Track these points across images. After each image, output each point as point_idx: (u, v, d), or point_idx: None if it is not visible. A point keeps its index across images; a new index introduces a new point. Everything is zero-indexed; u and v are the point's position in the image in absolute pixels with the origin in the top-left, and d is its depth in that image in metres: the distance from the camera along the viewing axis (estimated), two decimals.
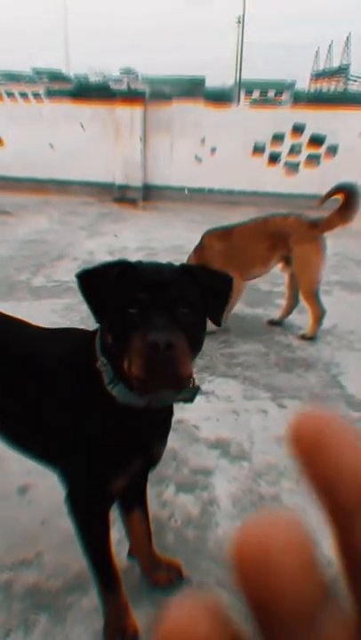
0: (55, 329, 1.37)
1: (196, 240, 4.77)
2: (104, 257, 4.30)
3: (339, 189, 2.74)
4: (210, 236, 2.93)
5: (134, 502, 1.35)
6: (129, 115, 6.56)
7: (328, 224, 2.76)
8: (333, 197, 2.78)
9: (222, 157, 6.60)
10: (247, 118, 6.65)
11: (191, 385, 1.10)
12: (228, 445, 1.92)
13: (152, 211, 6.38)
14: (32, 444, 1.35)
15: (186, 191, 6.78)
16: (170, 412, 1.22)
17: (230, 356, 2.67)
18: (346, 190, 2.71)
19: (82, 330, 1.28)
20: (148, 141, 6.70)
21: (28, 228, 5.15)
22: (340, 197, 2.73)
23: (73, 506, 1.16)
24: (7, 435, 1.34)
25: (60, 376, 1.20)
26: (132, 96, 6.67)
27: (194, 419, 2.07)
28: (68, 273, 3.85)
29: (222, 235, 2.91)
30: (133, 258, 3.63)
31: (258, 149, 6.60)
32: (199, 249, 2.94)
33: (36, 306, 3.21)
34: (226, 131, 6.49)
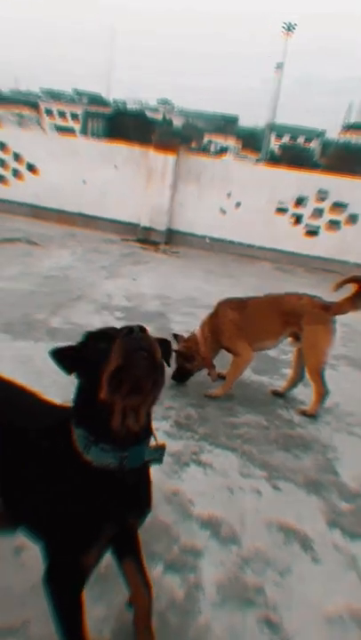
0: (43, 402, 1.49)
1: (212, 293, 4.94)
2: (121, 302, 4.44)
3: (354, 279, 2.85)
4: (225, 305, 3.04)
5: (126, 552, 1.43)
6: (162, 161, 6.80)
7: (339, 308, 2.87)
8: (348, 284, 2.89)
9: (246, 212, 6.80)
10: (274, 177, 6.85)
11: (155, 442, 1.27)
12: (220, 525, 1.98)
13: (172, 255, 6.54)
14: (17, 514, 1.45)
15: (207, 240, 6.96)
16: (142, 478, 1.32)
17: (232, 425, 2.74)
18: (360, 281, 2.82)
19: (64, 405, 1.39)
20: (177, 188, 6.92)
21: (52, 262, 5.31)
22: (353, 286, 2.84)
23: (47, 582, 1.24)
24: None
25: (39, 448, 1.31)
26: (166, 143, 6.92)
27: (190, 491, 2.14)
28: (85, 316, 3.98)
29: (237, 305, 3.02)
30: (149, 306, 3.78)
31: (281, 208, 6.79)
32: (213, 316, 3.05)
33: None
34: (252, 187, 6.71)
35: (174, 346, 3.02)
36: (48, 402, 1.50)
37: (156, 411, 2.70)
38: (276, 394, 3.17)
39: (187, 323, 4.02)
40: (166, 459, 2.31)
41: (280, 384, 3.25)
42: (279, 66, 63.69)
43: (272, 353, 3.68)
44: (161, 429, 2.57)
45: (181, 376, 3.07)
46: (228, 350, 3.01)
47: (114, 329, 1.21)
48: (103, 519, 1.24)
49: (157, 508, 2.00)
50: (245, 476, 2.32)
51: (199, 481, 2.24)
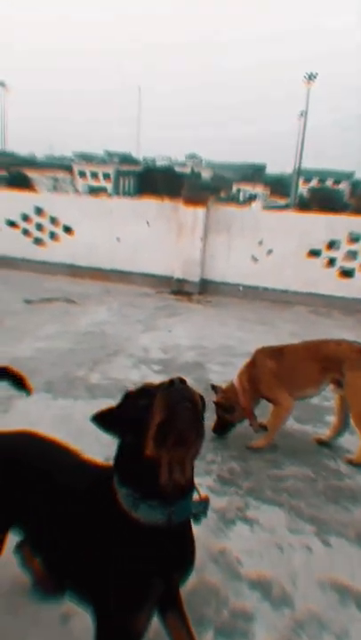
0: (84, 462, 1.50)
1: (248, 341, 4.93)
2: (157, 354, 4.47)
3: None
4: (262, 354, 3.02)
5: (169, 607, 1.40)
6: (192, 215, 6.98)
7: None
8: None
9: (278, 258, 6.84)
10: (303, 222, 6.92)
11: (198, 495, 1.28)
12: (270, 586, 1.90)
13: (207, 305, 6.60)
14: (63, 578, 1.44)
15: (240, 288, 7.01)
16: (186, 532, 1.32)
17: (277, 478, 2.67)
18: None
19: (105, 464, 1.40)
20: (208, 240, 7.06)
21: (89, 319, 5.44)
22: None
23: None
24: (47, 564, 1.44)
25: (82, 508, 1.32)
26: (195, 197, 7.12)
27: (237, 550, 2.08)
28: (123, 370, 4.03)
29: (274, 354, 3.00)
30: (186, 357, 3.78)
31: (313, 252, 6.81)
32: (251, 365, 3.03)
33: (91, 405, 3.33)
34: (282, 234, 6.78)
35: (213, 397, 3.01)
36: (89, 461, 1.51)
37: (199, 465, 2.67)
38: (321, 443, 3.08)
39: (224, 373, 4.01)
40: (211, 515, 2.28)
41: (324, 432, 3.17)
42: (302, 114, 65.44)
43: (314, 400, 3.60)
44: (204, 485, 2.53)
45: (223, 428, 3.03)
46: (268, 400, 2.98)
47: (152, 385, 1.25)
48: (152, 578, 1.24)
49: (204, 569, 1.95)
50: (294, 531, 2.24)
51: (246, 538, 2.17)
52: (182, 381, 1.18)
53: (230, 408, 2.97)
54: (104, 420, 1.28)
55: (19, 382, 1.70)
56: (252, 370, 3.00)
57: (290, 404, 2.93)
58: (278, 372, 2.92)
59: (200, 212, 6.96)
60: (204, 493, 1.31)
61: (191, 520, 1.30)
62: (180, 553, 1.30)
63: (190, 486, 1.26)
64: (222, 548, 2.09)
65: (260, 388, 2.95)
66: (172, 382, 1.17)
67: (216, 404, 2.98)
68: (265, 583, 1.92)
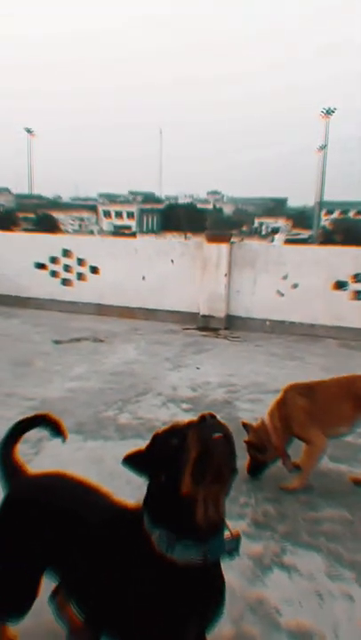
0: (116, 504, 1.49)
1: (277, 377, 4.88)
2: (186, 392, 4.46)
3: None
4: (292, 391, 2.98)
5: None
6: (216, 252, 7.06)
7: None
8: None
9: (304, 292, 6.83)
10: (328, 256, 6.91)
11: (230, 532, 1.26)
12: (311, 637, 1.83)
13: (234, 340, 6.59)
14: (98, 625, 1.43)
15: (267, 323, 6.99)
16: (219, 570, 1.30)
17: (313, 521, 2.59)
18: None
19: (135, 506, 1.38)
20: (233, 275, 7.11)
21: (117, 358, 5.48)
22: None
23: None
24: (80, 606, 1.44)
25: (116, 552, 1.31)
26: (218, 235, 7.22)
27: (275, 598, 2.01)
28: (152, 410, 4.02)
29: (305, 391, 2.95)
30: (215, 394, 3.75)
31: (340, 285, 6.77)
32: (281, 403, 2.98)
33: (121, 446, 3.33)
34: (307, 268, 6.78)
35: (244, 436, 2.97)
36: (119, 503, 1.50)
37: (232, 508, 2.63)
38: (358, 482, 2.99)
39: (254, 410, 3.96)
40: (247, 562, 2.23)
41: (360, 471, 3.08)
42: (322, 147, 66.31)
43: (349, 438, 3.52)
44: (239, 529, 2.47)
45: (256, 469, 2.98)
46: (301, 439, 2.92)
47: (181, 424, 1.25)
48: (189, 619, 1.23)
49: (242, 619, 1.89)
50: (334, 578, 2.16)
51: (284, 586, 2.10)
52: (213, 417, 1.20)
53: (262, 448, 2.92)
54: (135, 461, 1.30)
55: (56, 428, 1.72)
56: (283, 408, 2.95)
57: (323, 443, 2.87)
58: (310, 409, 2.87)
59: (224, 248, 7.03)
60: (235, 530, 1.29)
61: (222, 558, 1.28)
62: (213, 592, 1.29)
63: (222, 523, 1.25)
64: (260, 597, 2.03)
65: (292, 427, 2.89)
66: (203, 418, 1.19)
67: (248, 443, 2.94)
68: (306, 634, 1.84)
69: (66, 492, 1.56)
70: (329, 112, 64.57)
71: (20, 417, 1.73)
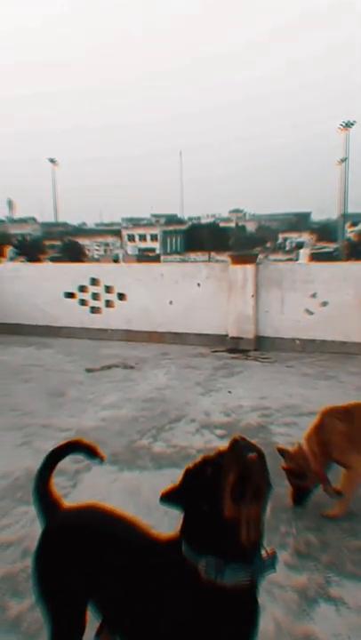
0: (154, 537, 1.49)
1: (311, 398, 4.82)
2: (219, 418, 4.44)
3: None
4: (330, 415, 2.92)
5: None
6: (241, 273, 7.08)
7: None
8: None
9: (334, 309, 6.76)
10: (357, 271, 6.84)
11: (265, 551, 1.29)
12: None
13: (264, 362, 6.54)
14: None
15: (297, 342, 6.92)
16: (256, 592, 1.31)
17: (357, 550, 2.53)
18: None
19: (170, 537, 1.41)
20: (260, 296, 7.10)
21: (148, 384, 5.50)
22: None
23: None
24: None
25: (162, 585, 1.33)
26: (243, 256, 7.24)
27: (324, 634, 1.96)
28: (186, 437, 4.01)
29: (344, 415, 2.89)
30: (248, 419, 3.71)
31: None
32: (319, 428, 2.91)
33: (157, 476, 3.33)
34: (336, 284, 6.72)
35: (282, 464, 2.93)
36: (156, 535, 1.50)
37: (272, 538, 2.59)
38: None
39: (290, 434, 3.91)
40: (292, 595, 2.19)
41: None
42: (342, 160, 66.22)
43: None
44: (280, 559, 2.43)
45: (300, 497, 2.92)
46: (340, 464, 2.86)
47: (211, 454, 1.32)
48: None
49: None
50: None
51: (332, 620, 2.05)
52: (243, 439, 1.28)
53: (302, 474, 2.86)
54: (172, 498, 1.35)
55: (91, 452, 1.75)
56: (321, 432, 2.89)
57: None
58: (349, 434, 2.81)
59: (249, 269, 7.04)
60: (269, 548, 1.32)
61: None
62: (253, 614, 1.31)
63: (261, 542, 1.29)
64: (307, 632, 1.98)
65: (331, 452, 2.84)
66: (236, 441, 1.27)
67: (286, 470, 2.89)
68: None
69: (102, 525, 1.57)
70: (348, 125, 64.60)
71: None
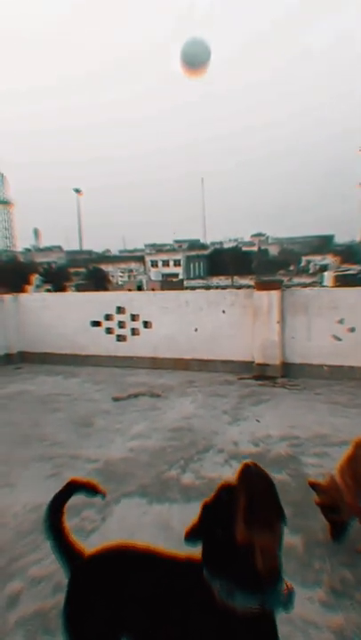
0: (174, 560, 1.53)
1: (342, 427, 4.73)
2: (248, 447, 4.39)
3: None
4: None
5: None
6: (266, 299, 7.07)
7: None
8: None
9: None
10: None
11: (286, 586, 1.34)
12: None
13: (292, 389, 6.47)
14: None
15: (325, 368, 6.84)
16: (274, 624, 1.37)
17: None
18: None
19: (192, 558, 1.46)
20: (286, 322, 7.06)
21: (175, 413, 5.49)
22: None
23: None
24: None
25: (186, 612, 1.38)
26: (267, 283, 7.25)
27: None
28: (215, 468, 3.97)
29: None
30: (277, 448, 3.66)
31: None
32: (352, 460, 2.83)
33: (187, 509, 3.28)
34: None
35: (315, 498, 2.87)
36: (174, 556, 1.55)
37: (306, 575, 2.53)
38: None
39: (321, 465, 3.84)
40: (328, 635, 2.12)
41: None
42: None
43: None
44: (315, 598, 2.37)
45: (338, 531, 2.83)
46: None
47: (225, 483, 1.41)
48: None
49: None
50: None
51: None
52: (255, 465, 1.36)
53: (336, 508, 2.80)
54: (194, 534, 1.42)
55: (90, 490, 1.77)
56: (354, 464, 2.83)
57: None
58: None
59: (274, 295, 7.03)
60: (289, 583, 1.36)
61: (278, 610, 1.36)
62: None
63: (280, 575, 1.33)
64: None
65: None
66: (246, 466, 1.35)
67: (320, 506, 2.84)
68: None
69: (125, 564, 1.58)
70: None
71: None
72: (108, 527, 3.12)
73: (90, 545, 2.89)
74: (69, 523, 3.21)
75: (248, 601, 1.29)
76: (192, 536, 1.42)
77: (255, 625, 1.30)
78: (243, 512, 1.29)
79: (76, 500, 3.58)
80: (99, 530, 3.08)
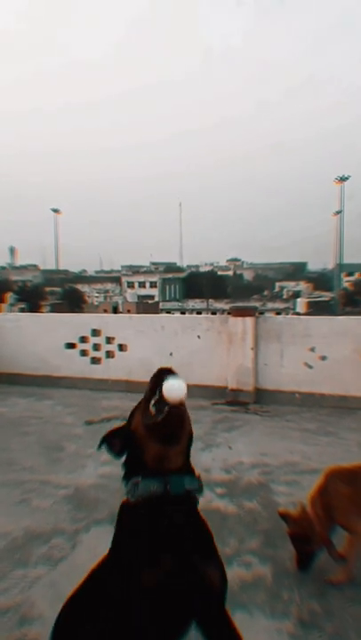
0: None
1: (312, 455, 4.79)
2: (220, 474, 4.40)
3: None
4: (335, 477, 2.85)
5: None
6: (241, 326, 7.16)
7: None
8: None
9: (333, 363, 6.80)
10: (356, 326, 6.92)
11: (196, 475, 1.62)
12: None
13: (263, 415, 6.52)
14: None
15: (297, 395, 6.93)
16: (187, 507, 1.56)
17: None
18: None
19: None
20: (260, 348, 7.16)
21: None
22: None
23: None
24: None
25: None
26: (242, 310, 7.35)
27: None
28: None
29: (348, 477, 2.83)
30: (249, 476, 3.67)
31: None
32: (323, 491, 2.83)
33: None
34: (335, 339, 6.80)
35: (286, 528, 2.89)
36: None
37: (275, 606, 2.54)
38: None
39: (291, 494, 3.88)
40: None
41: None
42: (338, 212, 67.95)
43: None
44: (284, 629, 2.38)
45: (305, 562, 2.85)
46: (344, 528, 2.83)
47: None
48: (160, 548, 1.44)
49: None
50: None
51: None
52: (169, 370, 1.62)
53: (306, 538, 2.82)
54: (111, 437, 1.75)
55: None
56: (325, 496, 2.82)
57: None
58: (353, 497, 2.75)
59: (249, 322, 7.13)
60: (198, 471, 1.65)
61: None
62: (187, 528, 1.50)
63: (185, 469, 1.59)
64: None
65: (335, 516, 2.80)
66: (160, 370, 1.65)
67: (291, 536, 2.85)
68: None
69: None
70: (343, 179, 66.81)
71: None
72: (77, 555, 3.07)
73: (60, 575, 2.85)
74: (38, 551, 3.17)
75: (149, 484, 1.48)
76: (109, 437, 1.69)
77: (167, 509, 1.48)
78: (143, 404, 1.52)
79: (45, 527, 3.53)
80: (67, 558, 3.04)
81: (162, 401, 1.49)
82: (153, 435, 1.50)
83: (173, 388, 1.50)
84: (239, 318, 7.22)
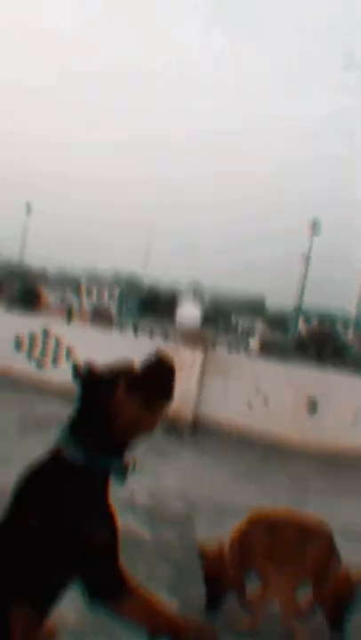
0: None
1: (237, 492, 4.87)
2: (144, 500, 4.40)
3: None
4: (257, 524, 2.83)
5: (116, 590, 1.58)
6: (190, 357, 7.26)
7: None
8: None
9: (274, 407, 7.01)
10: (300, 375, 7.17)
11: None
12: None
13: (197, 446, 6.57)
14: None
15: (234, 432, 7.06)
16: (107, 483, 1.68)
17: None
18: None
19: None
20: (204, 382, 7.27)
21: None
22: None
23: None
24: None
25: None
26: (196, 340, 7.47)
27: None
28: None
29: (271, 526, 2.81)
30: (173, 505, 3.69)
31: (308, 403, 6.97)
32: (243, 536, 2.80)
33: None
34: (278, 383, 7.02)
35: (202, 563, 2.84)
36: None
37: None
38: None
39: (212, 528, 3.89)
40: None
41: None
42: (304, 255, 69.13)
43: None
44: None
45: (213, 602, 2.80)
46: (258, 576, 2.79)
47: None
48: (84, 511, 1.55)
49: None
50: None
51: None
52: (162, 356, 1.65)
53: (219, 579, 2.77)
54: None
55: None
56: (245, 540, 2.79)
57: (279, 585, 2.72)
58: (271, 547, 2.74)
59: (198, 355, 7.25)
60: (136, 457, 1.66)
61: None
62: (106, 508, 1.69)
63: (122, 453, 1.60)
64: None
65: (251, 563, 2.76)
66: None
67: (205, 575, 2.80)
68: None
69: None
70: (315, 224, 68.22)
71: None
72: None
73: None
74: None
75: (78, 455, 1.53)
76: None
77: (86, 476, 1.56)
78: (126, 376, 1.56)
79: None
80: None
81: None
82: (135, 392, 1.56)
83: (191, 315, 1.50)
84: (189, 349, 7.31)
